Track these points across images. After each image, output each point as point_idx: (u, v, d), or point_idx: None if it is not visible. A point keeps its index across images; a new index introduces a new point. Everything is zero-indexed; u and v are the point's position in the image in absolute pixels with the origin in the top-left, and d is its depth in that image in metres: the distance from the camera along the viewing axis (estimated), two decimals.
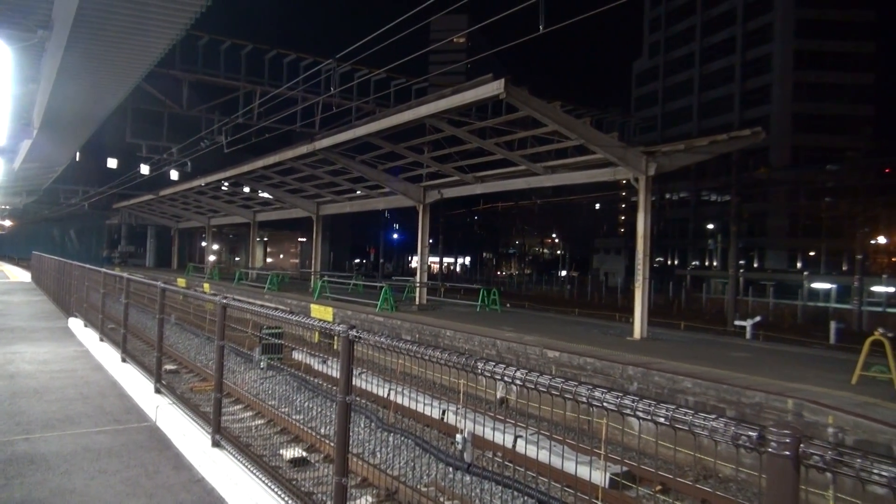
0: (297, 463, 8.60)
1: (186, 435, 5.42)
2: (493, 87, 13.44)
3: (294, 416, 10.49)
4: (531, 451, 9.62)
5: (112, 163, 32.59)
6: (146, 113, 26.62)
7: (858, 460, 1.59)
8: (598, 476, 8.80)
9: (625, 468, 9.28)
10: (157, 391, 6.85)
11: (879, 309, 38.08)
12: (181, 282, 34.71)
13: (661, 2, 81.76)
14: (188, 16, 9.68)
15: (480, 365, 2.49)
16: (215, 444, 5.01)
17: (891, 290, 41.73)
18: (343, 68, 24.12)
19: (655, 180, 17.15)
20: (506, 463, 9.82)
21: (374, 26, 13.04)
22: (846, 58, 63.34)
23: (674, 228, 74.66)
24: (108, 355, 9.42)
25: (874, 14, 64.48)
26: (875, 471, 1.55)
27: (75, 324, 13.32)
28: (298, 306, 22.93)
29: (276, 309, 6.63)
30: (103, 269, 11.57)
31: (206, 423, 5.32)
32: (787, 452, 1.69)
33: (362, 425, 11.21)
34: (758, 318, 22.58)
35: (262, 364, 15.09)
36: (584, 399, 2.14)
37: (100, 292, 11.06)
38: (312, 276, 31.60)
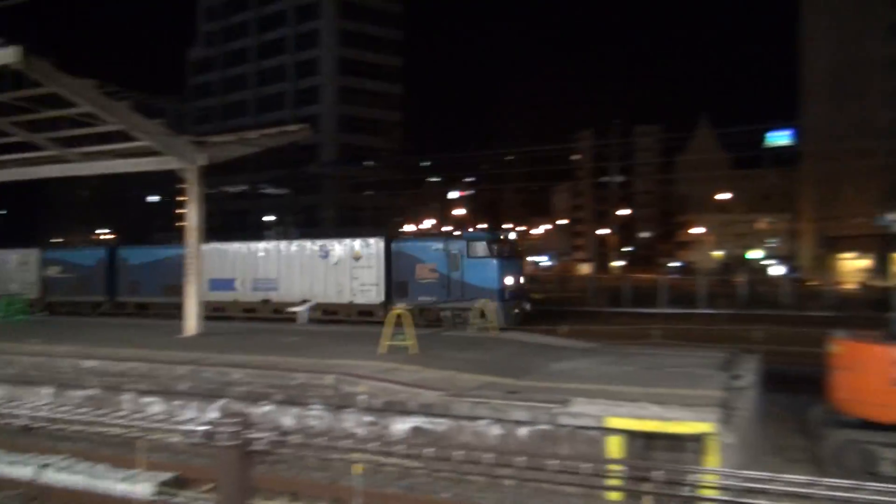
0: None
1: None
2: (6, 56, 11.40)
3: None
4: (63, 479, 8.43)
5: None
6: None
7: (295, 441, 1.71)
8: (143, 489, 8.18)
9: (175, 473, 8.84)
10: None
11: None
12: None
13: None
14: None
15: None
16: None
17: None
18: None
19: (214, 172, 16.90)
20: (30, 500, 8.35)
21: None
22: (381, 68, 72.90)
23: (234, 220, 75.01)
24: None
25: (402, 33, 75.81)
26: (310, 453, 1.69)
27: None
28: None
29: None
30: None
31: None
32: (235, 442, 1.72)
33: None
34: (312, 302, 24.08)
35: None
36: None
37: None
38: None
